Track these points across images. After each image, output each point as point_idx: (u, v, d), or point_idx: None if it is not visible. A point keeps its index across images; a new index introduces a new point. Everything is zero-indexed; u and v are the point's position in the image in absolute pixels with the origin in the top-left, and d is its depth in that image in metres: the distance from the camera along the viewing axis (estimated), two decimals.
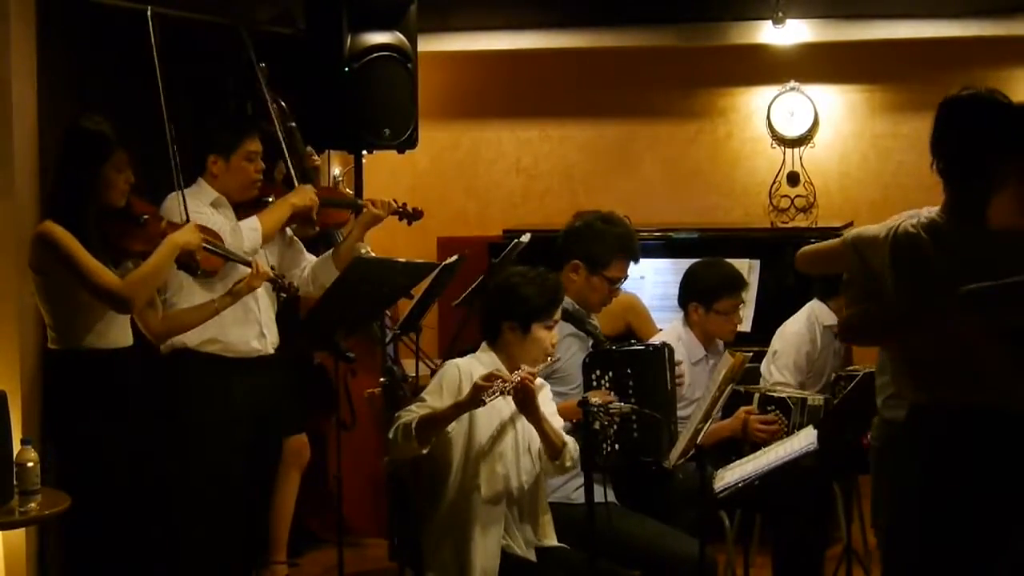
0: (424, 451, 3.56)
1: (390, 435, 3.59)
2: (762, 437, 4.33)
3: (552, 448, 3.64)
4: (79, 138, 3.78)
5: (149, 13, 3.98)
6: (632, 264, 4.30)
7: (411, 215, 4.80)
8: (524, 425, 3.67)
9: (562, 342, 4.09)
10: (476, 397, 3.43)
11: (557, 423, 3.75)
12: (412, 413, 3.57)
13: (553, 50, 6.46)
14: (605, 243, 4.16)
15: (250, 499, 4.41)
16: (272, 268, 4.16)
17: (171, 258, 3.85)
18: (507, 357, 3.72)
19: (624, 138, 6.90)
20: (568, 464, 3.69)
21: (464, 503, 3.61)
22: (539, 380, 3.79)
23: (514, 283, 3.72)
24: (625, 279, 4.31)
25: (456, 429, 3.60)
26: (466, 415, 3.57)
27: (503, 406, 3.63)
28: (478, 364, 3.70)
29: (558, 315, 3.77)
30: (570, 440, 3.70)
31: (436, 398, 3.62)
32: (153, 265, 3.81)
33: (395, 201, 4.71)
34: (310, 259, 4.61)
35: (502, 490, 3.64)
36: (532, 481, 3.72)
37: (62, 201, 3.75)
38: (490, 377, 3.47)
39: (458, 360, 3.77)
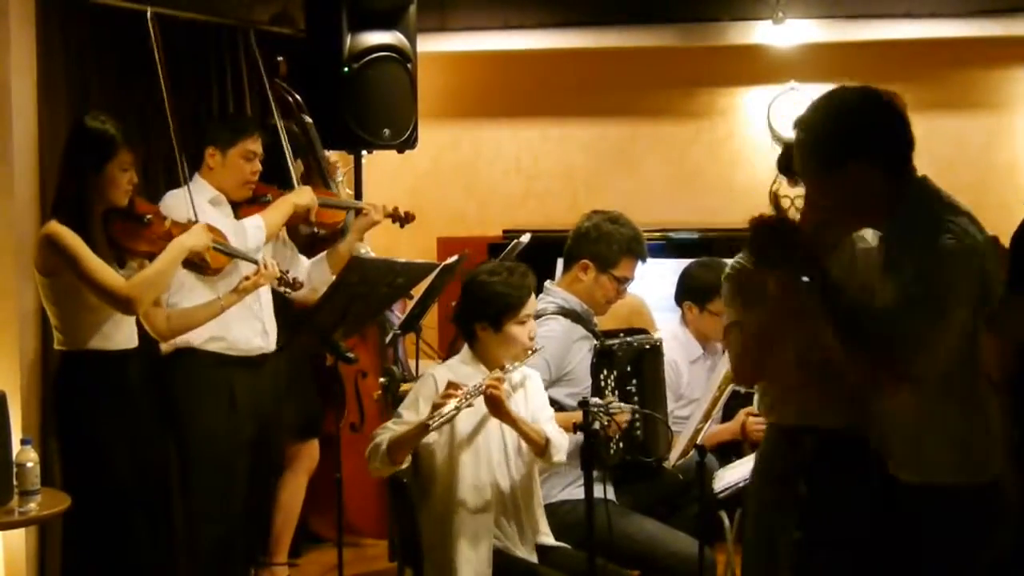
0: (401, 467, 3.58)
1: (367, 454, 3.59)
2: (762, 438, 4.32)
3: (535, 446, 3.62)
4: (84, 137, 3.77)
5: (149, 15, 3.98)
6: (640, 264, 4.31)
7: (403, 219, 4.86)
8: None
9: (575, 344, 4.09)
10: (430, 419, 3.43)
11: (548, 413, 3.73)
12: (386, 433, 3.57)
13: (553, 50, 6.45)
14: (613, 243, 4.18)
15: (251, 498, 4.41)
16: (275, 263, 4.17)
17: (178, 261, 3.86)
18: (487, 358, 3.70)
19: (624, 138, 6.90)
20: (556, 459, 3.65)
21: (449, 511, 3.59)
22: (526, 370, 3.77)
23: (480, 282, 3.69)
24: (632, 279, 4.32)
25: (437, 440, 3.59)
26: (447, 426, 3.55)
27: (483, 412, 3.59)
28: (455, 371, 3.68)
29: (531, 309, 3.73)
30: (555, 434, 3.66)
31: (412, 412, 3.60)
32: (159, 267, 3.82)
33: (386, 206, 4.77)
34: (302, 260, 4.62)
35: (490, 498, 3.62)
36: (524, 480, 3.70)
37: (67, 200, 3.75)
38: (447, 395, 3.46)
39: (436, 369, 3.76)
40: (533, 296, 3.76)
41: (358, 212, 4.74)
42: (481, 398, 3.49)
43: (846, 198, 2.74)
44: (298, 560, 5.40)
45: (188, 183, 4.08)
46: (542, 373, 3.89)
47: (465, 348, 3.77)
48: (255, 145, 4.35)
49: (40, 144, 4.35)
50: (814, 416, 2.85)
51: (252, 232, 4.23)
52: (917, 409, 2.65)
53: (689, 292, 4.61)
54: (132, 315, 3.83)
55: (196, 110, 4.99)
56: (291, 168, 4.64)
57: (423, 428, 3.46)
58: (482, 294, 3.66)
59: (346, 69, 4.93)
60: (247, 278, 4.08)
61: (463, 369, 3.69)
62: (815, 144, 2.77)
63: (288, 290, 4.26)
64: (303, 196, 4.48)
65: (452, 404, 3.42)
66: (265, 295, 4.34)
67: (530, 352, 3.70)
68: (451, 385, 3.50)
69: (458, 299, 3.81)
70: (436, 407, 3.45)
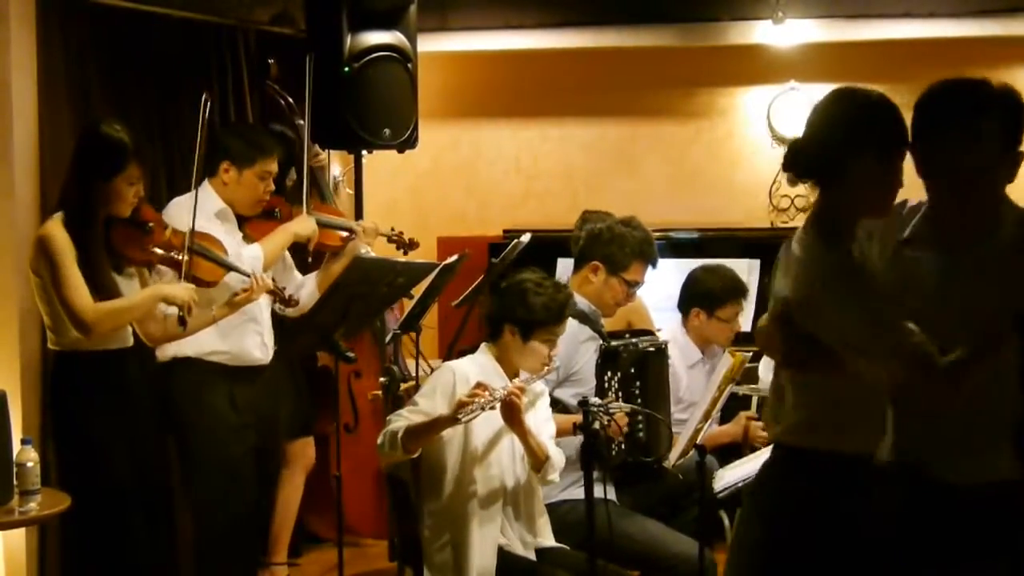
0: (413, 456, 3.59)
1: (378, 441, 3.61)
2: (764, 443, 4.33)
3: (535, 460, 3.66)
4: (97, 143, 3.75)
5: (204, 98, 3.94)
6: (651, 269, 4.30)
7: (408, 245, 4.81)
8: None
9: (582, 345, 4.10)
10: (457, 414, 3.45)
11: (549, 431, 3.75)
12: (401, 420, 3.59)
13: (553, 50, 6.45)
14: (625, 246, 4.19)
15: (253, 502, 4.41)
16: (272, 279, 4.15)
17: (152, 306, 3.83)
18: (505, 360, 3.72)
19: (624, 138, 6.90)
20: (550, 477, 3.71)
21: (460, 501, 3.62)
22: (540, 386, 3.79)
23: (525, 288, 3.71)
24: (642, 283, 4.32)
25: (451, 432, 3.60)
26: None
27: (498, 414, 3.61)
28: (474, 367, 3.70)
29: (562, 330, 3.76)
30: (554, 454, 3.70)
31: (429, 402, 3.62)
32: (130, 305, 3.79)
33: (393, 229, 4.74)
34: (296, 276, 4.59)
35: (498, 488, 3.65)
36: (527, 483, 3.73)
37: (72, 205, 3.73)
38: (473, 394, 3.47)
39: (454, 363, 3.78)
40: (567, 320, 3.77)
41: (351, 233, 4.67)
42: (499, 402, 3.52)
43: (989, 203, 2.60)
44: (298, 560, 5.40)
45: (196, 194, 4.01)
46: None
47: (484, 345, 3.78)
48: (272, 165, 4.29)
49: (40, 144, 4.34)
50: (869, 442, 2.66)
51: (249, 261, 4.16)
52: (973, 408, 2.51)
53: (696, 298, 4.59)
54: (86, 337, 3.73)
55: (196, 111, 4.98)
56: (305, 193, 4.57)
57: (449, 421, 3.48)
58: (523, 301, 3.69)
59: (346, 69, 4.92)
60: (236, 294, 4.04)
61: (486, 365, 3.72)
62: (985, 142, 2.61)
63: (283, 307, 4.24)
64: (305, 227, 4.40)
65: (478, 403, 3.45)
66: (265, 308, 4.32)
67: (545, 370, 3.73)
68: (479, 385, 3.52)
69: (495, 296, 3.83)
70: (463, 404, 3.46)
